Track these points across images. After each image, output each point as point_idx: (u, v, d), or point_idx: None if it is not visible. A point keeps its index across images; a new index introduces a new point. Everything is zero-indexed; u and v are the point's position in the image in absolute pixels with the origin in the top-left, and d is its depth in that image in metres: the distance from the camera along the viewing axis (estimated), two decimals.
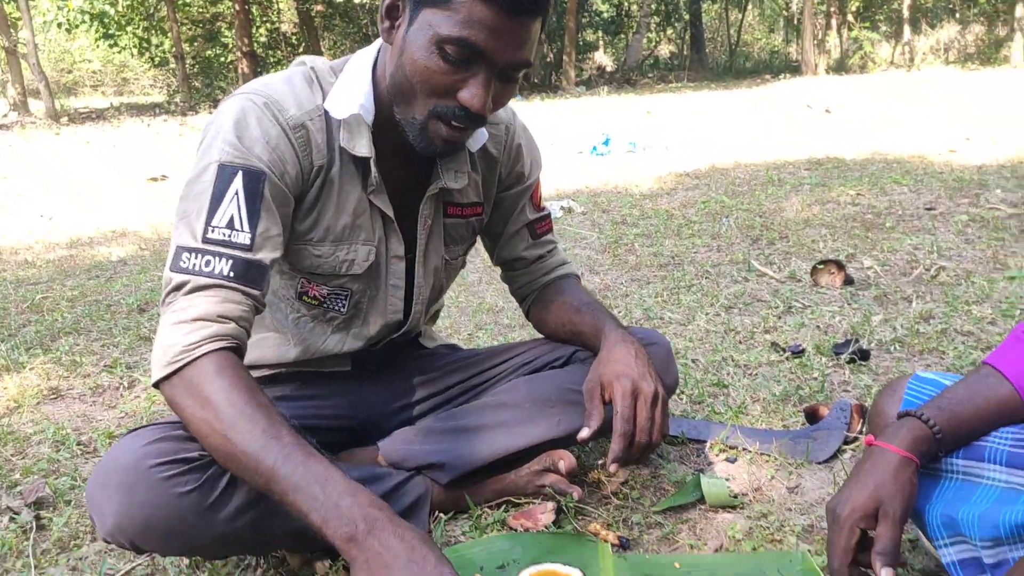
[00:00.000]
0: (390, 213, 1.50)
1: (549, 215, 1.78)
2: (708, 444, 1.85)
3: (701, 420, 1.99)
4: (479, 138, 1.56)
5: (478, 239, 1.76)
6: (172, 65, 23.12)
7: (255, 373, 1.67)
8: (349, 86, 1.43)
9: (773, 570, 1.37)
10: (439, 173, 1.52)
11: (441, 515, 1.63)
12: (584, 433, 1.45)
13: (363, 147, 1.42)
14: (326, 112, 1.41)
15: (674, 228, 4.20)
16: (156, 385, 1.26)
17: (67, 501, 1.76)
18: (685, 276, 3.31)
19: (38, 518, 1.68)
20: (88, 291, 3.70)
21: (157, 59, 24.25)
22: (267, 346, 1.64)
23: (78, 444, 2.06)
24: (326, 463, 1.16)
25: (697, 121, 9.66)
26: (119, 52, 24.33)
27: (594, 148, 7.59)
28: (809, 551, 1.42)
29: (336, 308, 1.58)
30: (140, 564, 1.51)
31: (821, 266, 3.09)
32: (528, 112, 12.39)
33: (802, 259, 3.41)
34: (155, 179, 7.46)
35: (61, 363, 2.69)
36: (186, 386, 1.23)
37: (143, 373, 2.57)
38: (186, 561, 1.50)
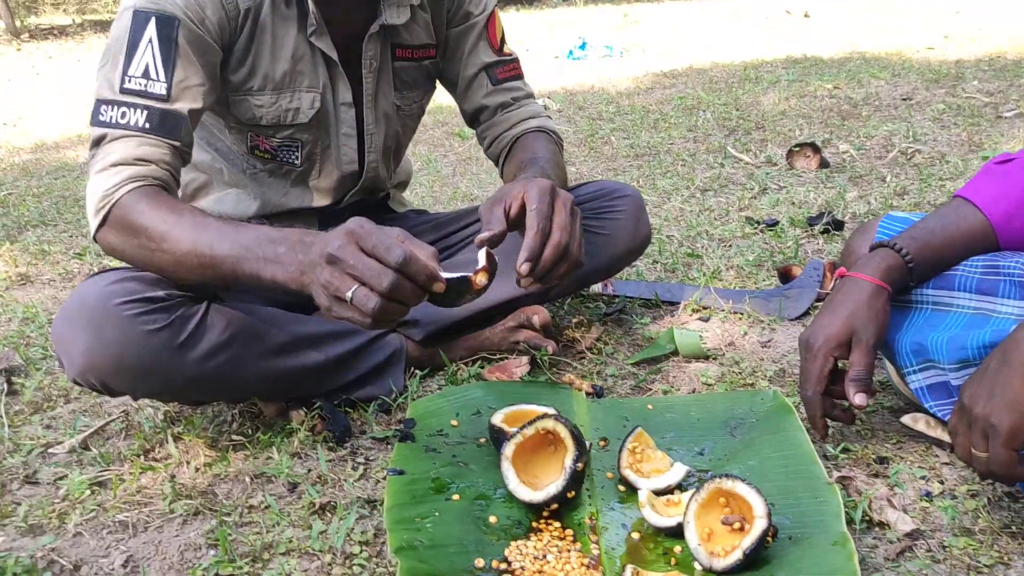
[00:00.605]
0: (334, 56, 1.45)
1: (515, 60, 1.67)
2: (681, 305, 1.86)
3: (675, 283, 1.99)
4: None
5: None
6: None
7: None
8: None
9: (745, 407, 1.38)
10: (381, 10, 1.47)
11: (417, 371, 1.63)
12: (483, 235, 1.23)
13: None
14: None
15: (650, 122, 4.16)
16: (95, 238, 1.27)
17: (38, 368, 1.75)
18: (661, 164, 3.29)
19: (10, 383, 1.67)
20: (54, 189, 3.63)
21: None
22: (228, 202, 1.62)
23: (49, 322, 2.04)
24: (253, 227, 1.17)
25: (675, 27, 9.49)
26: None
27: (570, 53, 7.44)
28: (780, 391, 1.43)
29: (289, 160, 1.55)
30: (115, 418, 1.51)
31: (797, 149, 3.07)
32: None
33: (778, 146, 3.38)
34: None
35: (29, 251, 2.65)
36: (116, 226, 1.23)
37: (113, 260, 2.53)
38: (160, 416, 1.50)
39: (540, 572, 1.06)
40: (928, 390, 1.24)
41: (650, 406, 1.43)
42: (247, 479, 1.32)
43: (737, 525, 1.05)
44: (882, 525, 1.11)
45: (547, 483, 1.19)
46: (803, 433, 1.27)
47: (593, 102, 4.86)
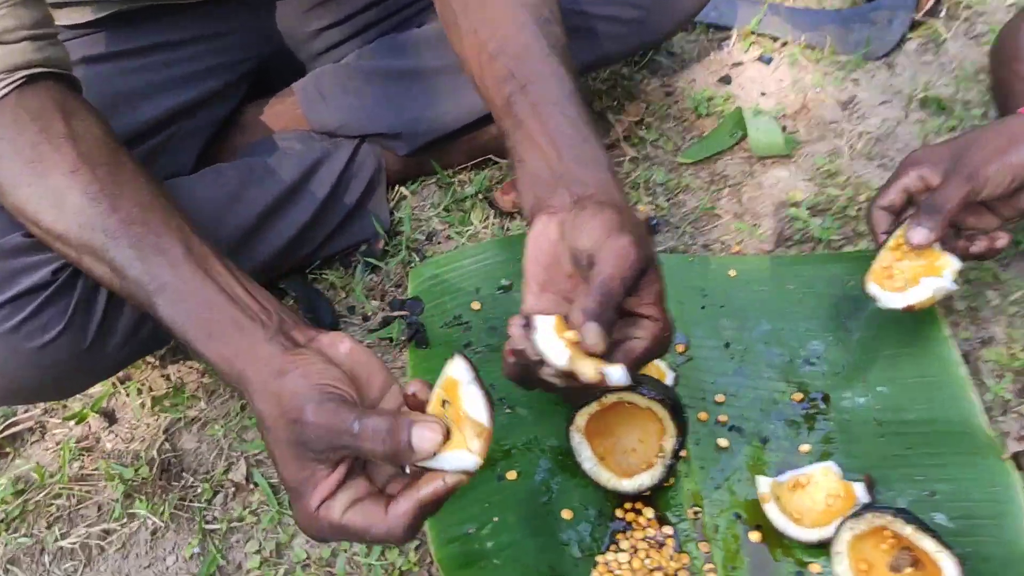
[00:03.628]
0: None
1: None
2: (735, 33, 1.39)
3: None
4: None
5: None
6: None
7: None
8: None
9: (857, 278, 1.03)
10: None
11: (402, 189, 1.23)
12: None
13: None
14: None
15: None
16: None
17: None
18: None
19: None
20: None
21: None
22: None
23: None
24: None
25: None
26: None
27: None
28: None
29: None
30: None
31: None
32: None
33: None
34: None
35: None
36: None
37: None
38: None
39: None
40: None
41: (732, 271, 1.09)
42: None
43: (908, 570, 0.82)
44: None
45: (629, 447, 0.93)
46: (950, 349, 0.99)
47: None
